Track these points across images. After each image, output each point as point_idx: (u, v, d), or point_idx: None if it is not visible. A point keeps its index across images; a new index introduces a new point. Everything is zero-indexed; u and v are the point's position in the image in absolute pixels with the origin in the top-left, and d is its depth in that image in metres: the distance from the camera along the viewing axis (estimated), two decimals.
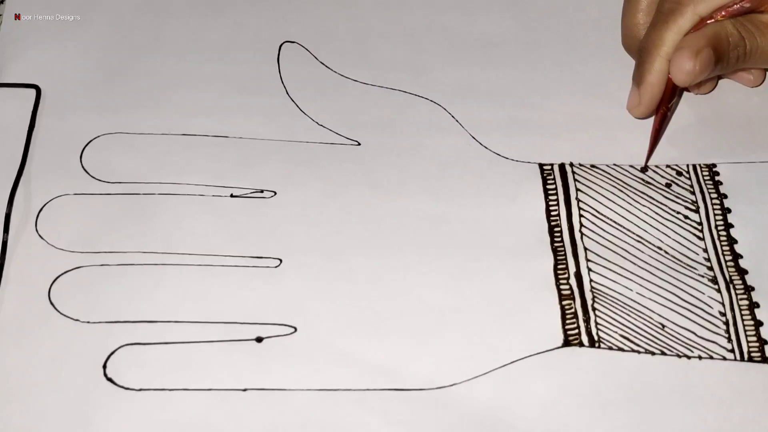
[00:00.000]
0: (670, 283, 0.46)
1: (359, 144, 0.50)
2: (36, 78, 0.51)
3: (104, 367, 0.42)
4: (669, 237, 0.47)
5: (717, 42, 0.47)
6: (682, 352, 0.44)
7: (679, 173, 0.50)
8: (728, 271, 0.46)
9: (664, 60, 0.48)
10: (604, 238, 0.47)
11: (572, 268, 0.46)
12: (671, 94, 0.49)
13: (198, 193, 0.48)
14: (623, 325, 0.45)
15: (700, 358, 0.44)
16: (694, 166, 0.50)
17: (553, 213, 0.48)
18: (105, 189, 0.48)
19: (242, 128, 0.50)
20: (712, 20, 0.47)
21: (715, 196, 0.49)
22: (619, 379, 0.43)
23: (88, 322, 0.43)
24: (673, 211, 0.48)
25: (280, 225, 0.47)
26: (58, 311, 0.44)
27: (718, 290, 0.46)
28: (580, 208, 0.48)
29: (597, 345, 0.44)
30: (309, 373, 0.43)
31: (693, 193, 0.49)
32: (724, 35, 0.47)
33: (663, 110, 0.49)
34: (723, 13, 0.47)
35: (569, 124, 0.51)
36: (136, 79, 0.52)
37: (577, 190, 0.49)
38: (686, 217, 0.48)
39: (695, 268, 0.47)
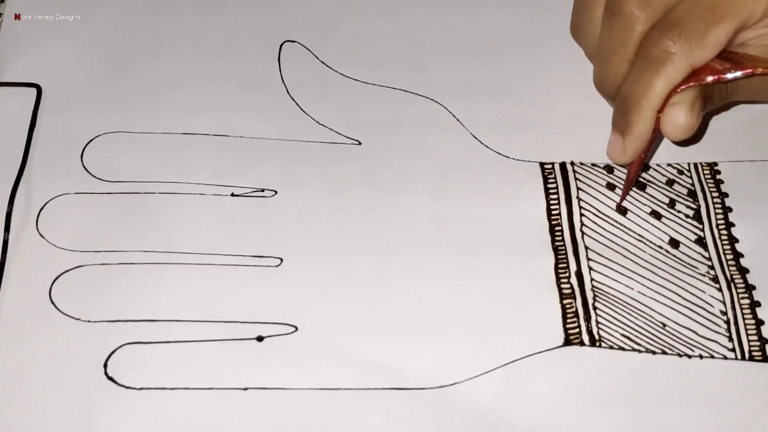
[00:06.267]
0: (671, 282, 0.46)
1: (360, 143, 0.50)
2: (37, 77, 0.51)
3: (105, 366, 0.42)
4: (670, 236, 0.47)
5: (705, 90, 0.45)
6: (682, 351, 0.44)
7: (681, 172, 0.50)
8: (729, 270, 0.47)
9: (653, 112, 0.44)
10: (604, 237, 0.47)
11: (573, 267, 0.46)
12: (652, 142, 0.46)
13: (199, 192, 0.48)
14: (624, 324, 0.45)
15: (701, 357, 0.44)
16: (696, 165, 0.50)
17: (554, 212, 0.48)
18: (106, 188, 0.48)
19: (243, 127, 0.50)
20: (700, 82, 0.43)
21: (716, 194, 0.49)
22: (620, 379, 0.43)
23: (89, 321, 0.43)
24: (675, 209, 0.48)
25: (281, 224, 0.47)
26: (59, 310, 0.44)
27: (719, 289, 0.46)
28: (581, 207, 0.48)
29: (598, 344, 0.44)
30: (310, 372, 0.43)
31: (694, 191, 0.49)
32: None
33: (642, 157, 0.47)
34: (715, 77, 0.43)
35: (570, 123, 0.51)
36: (137, 78, 0.52)
37: (578, 189, 0.49)
38: (687, 215, 0.48)
39: (696, 267, 0.47)
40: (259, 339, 0.43)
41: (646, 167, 0.50)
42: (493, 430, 0.41)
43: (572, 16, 0.50)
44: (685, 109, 0.44)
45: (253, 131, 0.50)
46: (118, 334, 0.43)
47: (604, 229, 0.48)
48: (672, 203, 0.49)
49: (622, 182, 0.49)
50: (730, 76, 0.43)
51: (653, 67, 0.44)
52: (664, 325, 0.45)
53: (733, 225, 0.48)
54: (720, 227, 0.48)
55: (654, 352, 0.44)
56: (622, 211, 0.48)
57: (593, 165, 0.50)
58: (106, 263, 0.45)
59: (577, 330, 0.44)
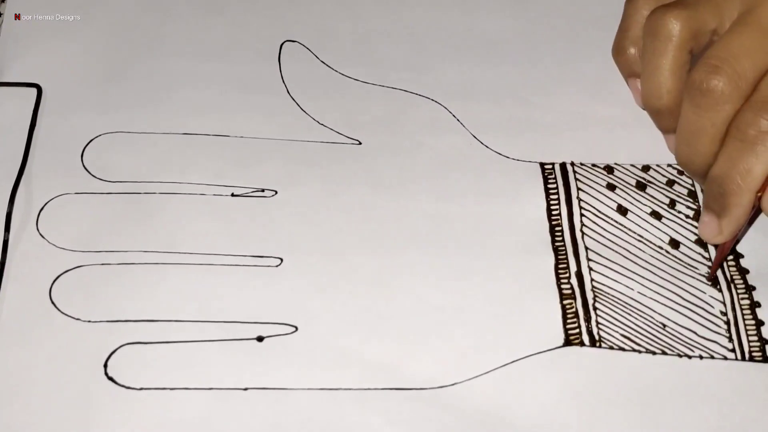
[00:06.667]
0: (671, 282, 0.46)
1: (360, 143, 0.50)
2: (37, 77, 0.51)
3: (105, 366, 0.42)
4: (670, 236, 0.47)
5: None
6: (682, 352, 0.44)
7: (681, 172, 0.50)
8: (729, 271, 0.47)
9: (753, 194, 0.43)
10: (604, 237, 0.47)
11: (573, 268, 0.46)
12: (748, 218, 0.45)
13: (199, 192, 0.48)
14: (624, 324, 0.45)
15: (701, 357, 0.44)
16: None
17: (554, 212, 0.48)
18: (106, 188, 0.48)
19: (243, 127, 0.50)
20: None
21: None
22: (620, 379, 0.43)
23: (89, 321, 0.43)
24: (675, 210, 0.48)
25: (281, 224, 0.47)
26: (59, 310, 0.44)
27: (719, 290, 0.46)
28: (581, 207, 0.48)
29: (598, 344, 0.44)
30: (310, 373, 0.43)
31: (694, 192, 0.49)
32: None
33: (737, 233, 0.45)
34: None
35: (570, 123, 0.51)
36: (137, 78, 0.52)
37: (578, 189, 0.49)
38: (687, 216, 0.48)
39: (696, 268, 0.47)
40: (259, 339, 0.43)
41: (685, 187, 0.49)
42: (493, 430, 0.41)
43: (618, 46, 0.50)
44: None
45: (253, 131, 0.50)
46: (119, 335, 0.43)
47: (605, 230, 0.48)
48: (672, 204, 0.49)
49: (622, 183, 0.49)
50: None
51: (750, 149, 0.42)
52: (664, 325, 0.45)
53: None
54: None
55: (654, 353, 0.44)
56: (622, 211, 0.48)
57: (593, 165, 0.50)
58: (107, 263, 0.45)
59: (577, 330, 0.44)
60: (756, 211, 0.45)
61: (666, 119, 0.48)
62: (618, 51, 0.51)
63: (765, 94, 0.43)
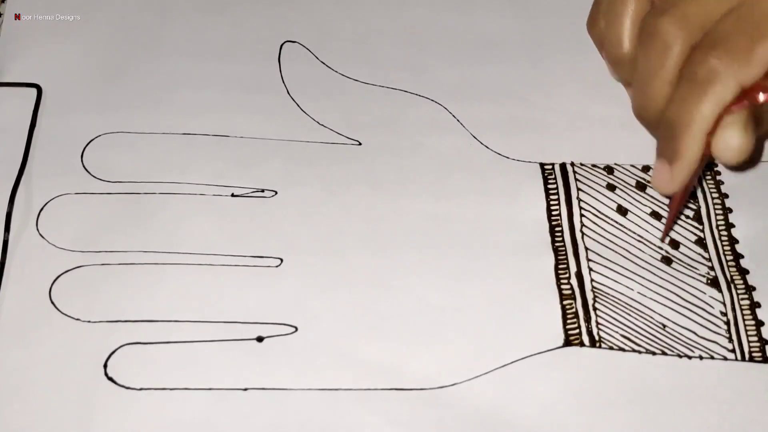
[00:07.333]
0: (671, 283, 0.46)
1: (360, 143, 0.50)
2: (37, 77, 0.51)
3: (105, 366, 0.42)
4: (670, 236, 0.47)
5: (756, 112, 0.43)
6: (682, 352, 0.44)
7: None
8: (729, 271, 0.47)
9: (703, 135, 0.42)
10: (604, 237, 0.47)
11: (573, 268, 0.46)
12: (700, 168, 0.43)
13: (199, 192, 0.48)
14: (624, 325, 0.45)
15: (701, 358, 0.44)
16: None
17: (554, 212, 0.48)
18: (106, 188, 0.48)
19: (243, 128, 0.50)
20: (753, 101, 0.41)
21: (716, 195, 0.49)
22: (620, 379, 0.43)
23: (89, 322, 0.43)
24: None
25: (281, 224, 0.47)
26: (59, 310, 0.44)
27: (719, 290, 0.46)
28: (581, 208, 0.48)
29: (598, 345, 0.44)
30: (310, 373, 0.43)
31: (694, 192, 0.49)
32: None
33: (689, 184, 0.44)
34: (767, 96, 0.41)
35: (570, 124, 0.51)
36: (137, 78, 0.52)
37: (578, 189, 0.49)
38: (687, 216, 0.48)
39: (696, 268, 0.47)
40: (259, 339, 0.43)
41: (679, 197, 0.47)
42: (493, 430, 0.41)
43: (592, 19, 0.49)
44: (739, 130, 0.42)
45: (253, 131, 0.50)
46: (118, 335, 0.43)
47: (605, 230, 0.48)
48: None
49: (622, 183, 0.49)
50: None
51: (700, 87, 0.41)
52: (664, 326, 0.45)
53: (733, 226, 0.48)
54: (720, 228, 0.48)
55: (654, 353, 0.44)
56: (622, 211, 0.48)
57: (593, 166, 0.50)
58: (106, 263, 0.45)
59: (577, 331, 0.44)
60: (706, 163, 0.43)
61: (625, 68, 0.47)
62: (591, 24, 0.50)
63: (718, 34, 0.42)
